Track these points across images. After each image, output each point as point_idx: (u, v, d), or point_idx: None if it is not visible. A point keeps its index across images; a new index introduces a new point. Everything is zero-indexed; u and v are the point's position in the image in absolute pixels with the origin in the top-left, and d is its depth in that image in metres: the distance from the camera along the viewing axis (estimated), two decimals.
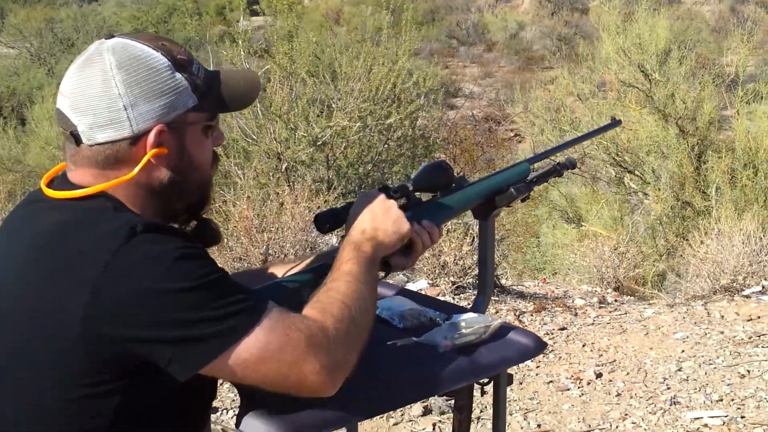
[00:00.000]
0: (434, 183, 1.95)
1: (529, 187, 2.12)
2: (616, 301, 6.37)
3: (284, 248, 5.73)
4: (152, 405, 1.43)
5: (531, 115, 12.55)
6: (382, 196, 1.74)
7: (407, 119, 8.11)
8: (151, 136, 1.45)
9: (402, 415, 4.16)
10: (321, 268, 1.74)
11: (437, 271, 5.80)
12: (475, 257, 5.83)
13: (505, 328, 2.01)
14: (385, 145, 8.11)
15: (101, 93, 1.43)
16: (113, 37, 1.48)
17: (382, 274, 1.95)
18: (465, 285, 5.82)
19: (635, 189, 11.68)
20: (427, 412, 4.20)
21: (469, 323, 1.96)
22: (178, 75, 1.47)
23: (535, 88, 13.91)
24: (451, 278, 5.72)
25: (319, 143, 7.65)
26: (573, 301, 6.07)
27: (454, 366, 1.85)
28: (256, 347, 1.37)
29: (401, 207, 1.90)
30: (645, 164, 11.35)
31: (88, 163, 1.47)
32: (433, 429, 4.05)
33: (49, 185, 1.52)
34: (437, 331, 1.94)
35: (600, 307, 5.94)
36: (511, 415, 4.24)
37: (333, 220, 1.76)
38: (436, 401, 4.22)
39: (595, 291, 6.80)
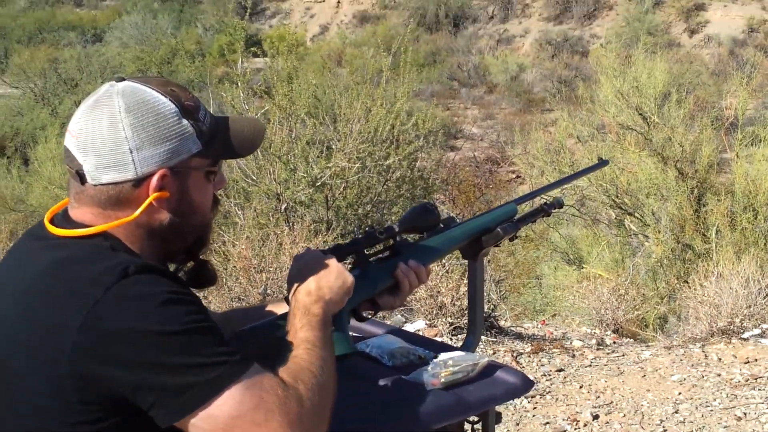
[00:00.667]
0: (420, 224, 1.99)
1: (516, 226, 2.16)
2: (614, 343, 6.36)
3: (282, 288, 5.74)
4: None
5: (531, 156, 12.59)
6: (317, 254, 1.75)
7: (405, 160, 8.15)
8: (154, 180, 1.48)
9: None
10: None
11: (435, 312, 5.81)
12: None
13: (492, 367, 2.03)
14: (384, 186, 8.14)
15: (108, 135, 1.46)
16: (124, 80, 1.52)
17: (371, 313, 1.98)
18: (462, 326, 5.81)
19: (635, 231, 11.68)
20: None
21: (457, 361, 1.98)
22: (185, 121, 1.51)
23: (535, 130, 13.97)
24: (449, 319, 5.72)
25: (318, 184, 7.69)
26: (571, 343, 6.07)
27: (441, 403, 1.87)
28: (233, 406, 1.37)
29: (392, 248, 1.93)
30: (645, 206, 11.36)
31: (91, 202, 1.51)
32: None
33: (52, 221, 1.55)
34: (425, 369, 1.95)
35: (598, 349, 5.93)
36: None
37: None
38: None
39: (594, 333, 6.80)
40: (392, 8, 40.32)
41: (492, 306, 6.13)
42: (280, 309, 1.86)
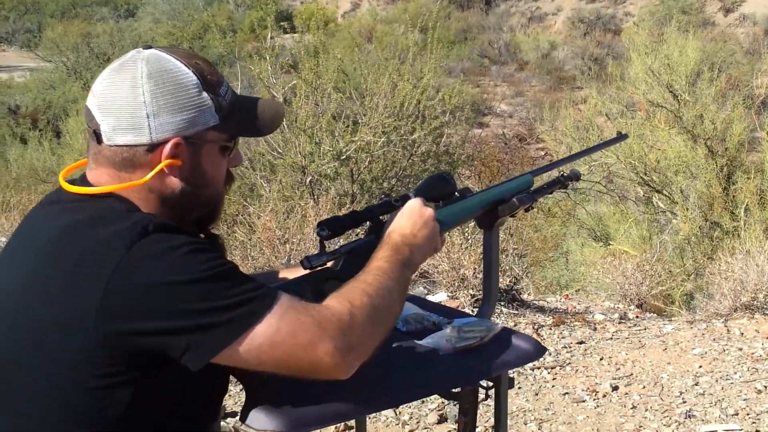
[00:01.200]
0: (436, 193, 2.01)
1: (532, 197, 2.18)
2: (637, 317, 6.37)
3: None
4: (164, 398, 1.48)
5: (559, 133, 12.54)
6: (421, 206, 1.82)
7: (431, 135, 8.16)
8: (168, 147, 1.52)
9: (417, 422, 4.20)
10: (324, 272, 1.80)
11: (456, 284, 5.83)
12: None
13: (505, 333, 2.06)
14: (410, 161, 8.17)
15: (128, 98, 1.50)
16: (151, 48, 1.56)
17: None
18: None
19: (663, 209, 11.63)
20: (442, 420, 4.24)
21: (470, 327, 2.01)
22: (205, 94, 1.54)
23: (565, 107, 13.90)
24: (470, 291, 5.75)
25: (343, 157, 7.72)
26: (593, 317, 6.08)
27: (454, 368, 1.90)
28: (269, 332, 1.42)
29: None
30: (673, 184, 11.30)
31: (107, 163, 1.54)
32: None
33: (70, 182, 1.59)
34: (439, 334, 1.99)
35: (620, 323, 5.94)
36: (525, 425, 4.27)
37: (335, 228, 1.80)
38: (452, 409, 4.25)
39: (617, 307, 6.80)
40: None
41: (515, 279, 6.14)
42: (293, 274, 1.89)
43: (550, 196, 2.41)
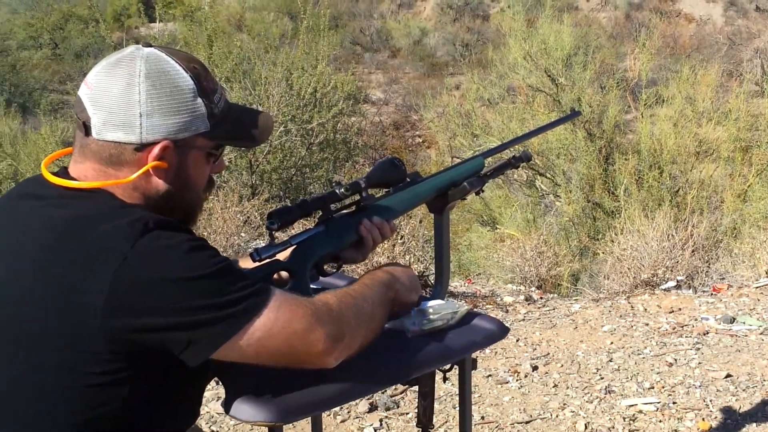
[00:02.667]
0: (387, 179, 2.03)
1: (482, 180, 2.20)
2: (541, 298, 6.53)
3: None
4: (158, 393, 1.49)
5: (444, 120, 12.71)
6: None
7: (329, 123, 8.14)
8: (156, 149, 1.51)
9: (348, 411, 4.20)
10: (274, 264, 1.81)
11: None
12: (408, 258, 5.91)
13: (470, 314, 2.09)
14: (308, 150, 8.13)
15: (122, 95, 1.48)
16: (151, 46, 1.54)
17: (334, 268, 2.00)
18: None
19: (547, 191, 11.96)
20: (373, 408, 4.24)
21: (437, 309, 2.02)
22: (200, 100, 1.54)
23: (444, 94, 14.10)
24: None
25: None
26: (502, 299, 6.21)
27: (423, 351, 1.92)
28: (267, 325, 1.45)
29: (357, 203, 1.97)
30: (556, 167, 11.63)
31: (93, 157, 1.52)
32: (380, 425, 4.09)
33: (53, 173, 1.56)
34: (405, 318, 1.99)
35: (528, 304, 6.08)
36: (454, 408, 4.31)
37: (284, 219, 1.80)
38: (381, 397, 4.27)
39: (520, 289, 6.96)
40: None
41: (426, 266, 6.21)
42: (246, 264, 1.91)
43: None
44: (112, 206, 1.48)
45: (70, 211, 1.47)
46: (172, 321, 1.39)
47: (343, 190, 1.90)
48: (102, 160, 1.51)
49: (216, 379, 1.73)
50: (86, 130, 1.50)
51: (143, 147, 1.50)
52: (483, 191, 2.27)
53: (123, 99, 1.47)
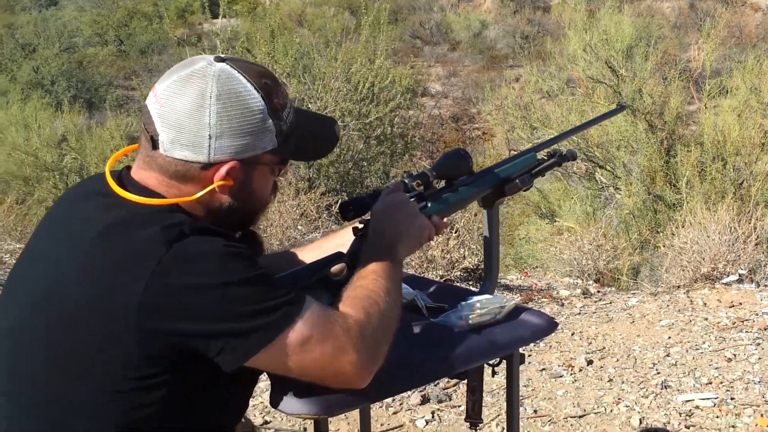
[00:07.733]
0: (455, 171, 2.01)
1: (531, 178, 2.19)
2: (598, 291, 6.47)
3: (272, 246, 5.77)
4: (196, 396, 1.49)
5: (502, 112, 12.63)
6: (404, 198, 1.83)
7: (386, 117, 8.15)
8: (223, 170, 1.52)
9: (401, 404, 4.21)
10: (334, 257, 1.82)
11: (425, 265, 5.87)
12: (462, 251, 5.91)
13: (518, 309, 2.09)
14: (365, 144, 8.16)
15: (193, 116, 1.48)
16: (223, 60, 1.53)
17: None
18: (452, 278, 5.89)
19: (607, 184, 11.82)
20: (425, 400, 4.26)
21: (484, 304, 2.03)
22: (270, 120, 1.53)
23: (504, 86, 13.99)
24: (439, 271, 5.79)
25: None
26: (558, 293, 6.17)
27: (470, 345, 1.93)
28: (300, 339, 1.45)
29: (420, 195, 1.95)
30: (616, 159, 11.49)
31: (159, 170, 1.54)
32: (432, 417, 4.10)
33: (114, 175, 1.58)
34: (453, 312, 2.00)
35: (585, 298, 6.04)
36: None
37: (358, 207, 1.82)
38: (433, 390, 4.28)
39: (577, 283, 6.91)
40: None
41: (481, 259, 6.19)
42: (300, 253, 1.97)
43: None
44: (159, 210, 1.50)
45: (121, 214, 1.49)
46: (203, 327, 1.41)
47: (411, 180, 1.91)
48: (168, 174, 1.53)
49: None
50: (154, 143, 1.51)
51: (209, 166, 1.51)
52: (531, 187, 2.26)
53: (193, 119, 1.48)
